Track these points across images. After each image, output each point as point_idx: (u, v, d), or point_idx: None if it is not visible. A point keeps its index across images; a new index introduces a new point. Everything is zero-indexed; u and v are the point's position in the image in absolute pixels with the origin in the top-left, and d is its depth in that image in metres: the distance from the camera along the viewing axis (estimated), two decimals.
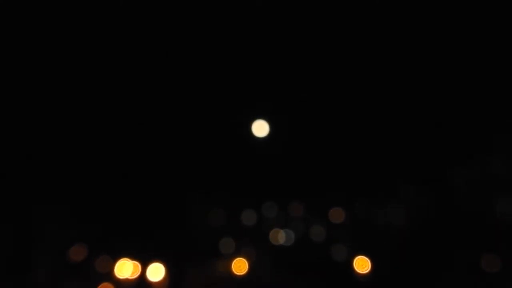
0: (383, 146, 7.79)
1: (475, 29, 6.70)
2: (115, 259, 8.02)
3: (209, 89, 7.37)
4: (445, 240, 7.73)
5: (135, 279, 8.01)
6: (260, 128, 7.82)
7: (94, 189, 7.79)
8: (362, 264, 8.02)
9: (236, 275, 8.16)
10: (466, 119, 7.41)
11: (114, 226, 7.88)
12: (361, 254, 8.07)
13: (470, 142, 7.47)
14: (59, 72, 6.94)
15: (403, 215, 8.04)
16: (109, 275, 7.95)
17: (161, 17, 6.63)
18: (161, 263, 8.07)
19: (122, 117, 7.43)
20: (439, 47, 6.89)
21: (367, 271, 7.99)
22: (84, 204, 7.81)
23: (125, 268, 8.06)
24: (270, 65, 7.23)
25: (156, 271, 8.09)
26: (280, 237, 8.46)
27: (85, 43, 6.71)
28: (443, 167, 7.80)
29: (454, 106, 7.33)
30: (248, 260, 8.26)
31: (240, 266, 8.20)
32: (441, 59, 7.01)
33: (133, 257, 8.08)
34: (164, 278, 8.03)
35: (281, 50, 7.11)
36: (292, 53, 7.14)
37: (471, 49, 6.84)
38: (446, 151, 7.68)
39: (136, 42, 6.80)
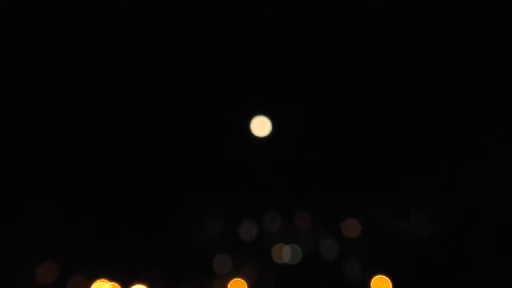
0: (401, 149, 7.70)
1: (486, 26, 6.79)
2: (91, 280, 7.75)
3: (204, 86, 7.38)
4: (477, 254, 7.50)
5: None
6: (261, 126, 7.66)
7: (68, 199, 7.66)
8: (381, 285, 7.82)
9: None
10: (490, 117, 7.36)
11: (90, 241, 7.67)
12: (380, 273, 7.82)
13: (497, 140, 7.39)
14: (49, 72, 7.05)
15: (429, 226, 7.77)
16: None
17: (158, 15, 6.77)
18: (144, 285, 7.80)
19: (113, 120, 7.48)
20: (451, 45, 6.98)
21: None
22: (57, 215, 7.64)
23: None
24: (271, 60, 7.24)
25: None
26: (285, 253, 8.17)
27: (79, 41, 6.87)
28: (467, 168, 7.62)
29: (476, 105, 7.31)
30: (247, 280, 8.00)
31: (238, 287, 7.99)
32: (454, 59, 7.08)
33: (112, 278, 7.80)
34: None
35: (286, 43, 7.12)
36: (300, 45, 7.15)
37: (485, 48, 6.92)
38: (470, 150, 7.58)
39: (132, 41, 6.95)
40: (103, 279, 7.76)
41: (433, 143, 7.58)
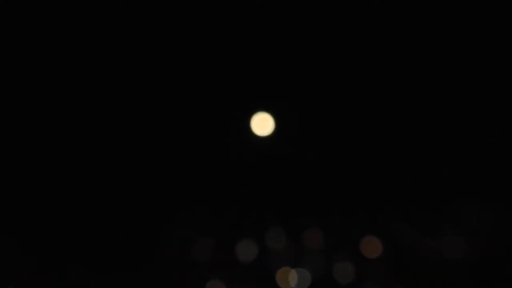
0: (433, 154, 7.37)
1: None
2: None
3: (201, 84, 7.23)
4: None
5: None
6: (263, 124, 7.33)
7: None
8: None
9: None
10: None
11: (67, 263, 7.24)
12: None
13: None
14: (41, 71, 7.04)
15: (464, 245, 7.41)
16: None
17: (158, 14, 6.92)
18: None
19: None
20: (452, 45, 6.98)
21: None
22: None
23: None
24: (272, 58, 7.15)
25: None
26: (291, 278, 7.84)
27: (78, 40, 6.99)
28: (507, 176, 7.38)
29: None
30: None
31: None
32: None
33: None
34: None
35: (287, 41, 7.11)
36: (302, 43, 7.15)
37: (485, 48, 6.91)
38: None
39: (130, 40, 7.05)
40: None
41: (467, 145, 7.29)
